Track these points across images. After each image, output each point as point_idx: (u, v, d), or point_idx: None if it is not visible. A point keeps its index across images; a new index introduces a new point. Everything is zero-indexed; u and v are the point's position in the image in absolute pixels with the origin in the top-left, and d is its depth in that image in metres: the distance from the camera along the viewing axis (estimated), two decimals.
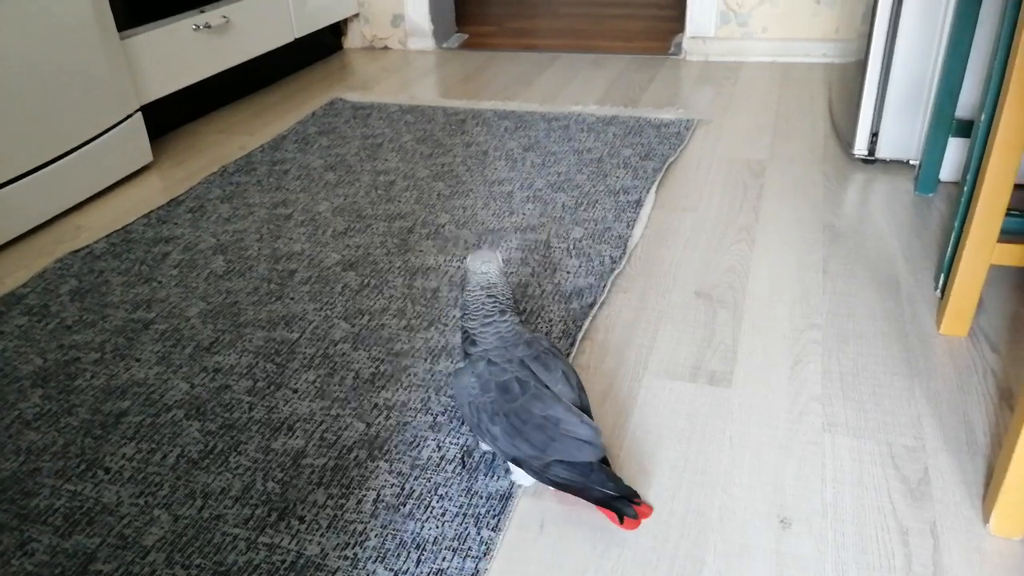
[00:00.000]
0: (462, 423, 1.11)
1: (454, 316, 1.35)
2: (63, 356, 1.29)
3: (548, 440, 0.91)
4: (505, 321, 0.99)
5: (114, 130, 1.88)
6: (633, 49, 2.90)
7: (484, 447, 1.04)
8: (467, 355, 1.00)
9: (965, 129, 1.63)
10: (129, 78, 1.93)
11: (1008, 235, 1.29)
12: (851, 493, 0.99)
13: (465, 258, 0.98)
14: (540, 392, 0.94)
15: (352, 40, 3.07)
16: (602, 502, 0.92)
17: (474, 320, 0.99)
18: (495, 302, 0.99)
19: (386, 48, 3.04)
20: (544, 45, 3.01)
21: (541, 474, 0.94)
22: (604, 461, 0.95)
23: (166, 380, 1.22)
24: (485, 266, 0.98)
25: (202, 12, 2.21)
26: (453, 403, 1.14)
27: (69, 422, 1.14)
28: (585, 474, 0.92)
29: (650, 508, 0.97)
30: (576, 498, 0.95)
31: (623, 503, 0.91)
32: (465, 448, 1.06)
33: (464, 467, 1.03)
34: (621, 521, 0.92)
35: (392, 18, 2.99)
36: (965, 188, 1.24)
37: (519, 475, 0.99)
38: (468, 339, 1.01)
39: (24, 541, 0.95)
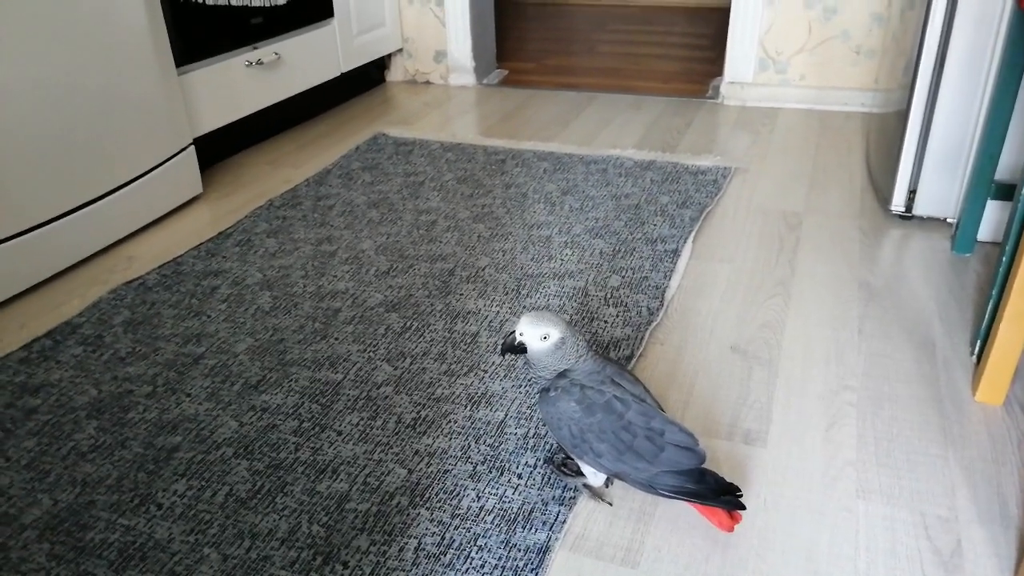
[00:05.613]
0: (555, 446, 1.19)
1: (494, 363, 1.38)
2: (117, 388, 1.34)
3: (657, 451, 1.00)
4: (589, 353, 1.07)
5: (169, 162, 1.95)
6: (670, 91, 2.94)
7: (586, 468, 1.08)
8: (551, 388, 1.05)
9: (1005, 192, 1.64)
10: (184, 112, 2.01)
11: None
12: (884, 563, 1.00)
13: (543, 337, 1.04)
14: (639, 405, 1.02)
15: (395, 74, 3.15)
16: (715, 501, 1.00)
17: (580, 359, 1.04)
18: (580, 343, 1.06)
19: (428, 83, 3.11)
20: (582, 84, 3.06)
21: (649, 486, 1.02)
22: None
23: (216, 417, 1.26)
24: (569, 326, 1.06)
25: (255, 49, 2.28)
26: (545, 427, 1.21)
27: (123, 455, 1.19)
28: (697, 479, 1.01)
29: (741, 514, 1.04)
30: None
31: (733, 499, 1.00)
32: (550, 455, 1.17)
33: (552, 463, 1.15)
34: (731, 516, 1.02)
35: (435, 54, 3.06)
36: (1004, 258, 1.25)
37: (592, 477, 1.09)
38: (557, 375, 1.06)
39: (80, 575, 0.99)
